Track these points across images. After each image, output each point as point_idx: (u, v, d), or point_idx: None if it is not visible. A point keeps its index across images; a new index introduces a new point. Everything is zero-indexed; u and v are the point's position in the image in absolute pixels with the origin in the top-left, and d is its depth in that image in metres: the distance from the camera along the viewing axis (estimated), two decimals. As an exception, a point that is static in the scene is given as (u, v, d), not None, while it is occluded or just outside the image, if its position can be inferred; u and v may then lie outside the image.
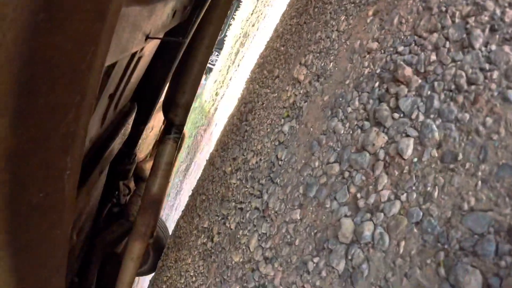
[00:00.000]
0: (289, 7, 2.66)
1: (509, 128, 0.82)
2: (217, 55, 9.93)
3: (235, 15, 9.14)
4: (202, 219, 2.45)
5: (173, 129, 2.53)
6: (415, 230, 0.90)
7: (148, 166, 3.17)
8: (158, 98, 2.63)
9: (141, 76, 2.03)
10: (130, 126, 2.16)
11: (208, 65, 10.55)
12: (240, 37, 6.00)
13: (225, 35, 9.60)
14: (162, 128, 2.61)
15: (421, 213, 0.90)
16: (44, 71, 0.41)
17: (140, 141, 3.02)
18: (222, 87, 5.37)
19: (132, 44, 1.19)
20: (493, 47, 0.92)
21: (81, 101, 0.48)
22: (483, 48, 0.95)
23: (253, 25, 5.10)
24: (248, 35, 5.08)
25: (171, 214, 6.06)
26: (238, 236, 1.77)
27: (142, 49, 1.52)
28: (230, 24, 9.44)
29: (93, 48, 0.46)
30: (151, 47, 1.74)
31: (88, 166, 1.55)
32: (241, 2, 9.00)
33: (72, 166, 0.51)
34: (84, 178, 1.45)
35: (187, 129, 7.21)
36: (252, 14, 5.91)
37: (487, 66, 0.92)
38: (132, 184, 3.43)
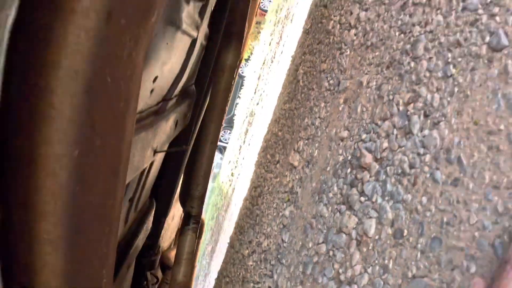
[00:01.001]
0: (283, 89, 2.93)
1: (438, 205, 0.98)
2: (229, 133, 10.28)
3: (240, 93, 9.54)
4: (224, 303, 2.57)
5: (191, 220, 2.72)
6: (381, 300, 1.05)
7: (172, 254, 3.32)
8: (175, 191, 2.84)
9: (156, 175, 2.25)
10: (151, 221, 2.35)
11: (222, 143, 10.92)
12: (247, 116, 6.32)
13: (234, 114, 9.98)
14: (181, 219, 2.80)
15: (382, 283, 1.05)
16: (85, 222, 0.59)
17: (163, 231, 3.20)
18: (236, 167, 5.61)
19: (143, 162, 1.37)
20: (426, 131, 1.11)
21: (110, 231, 0.65)
22: (419, 134, 1.14)
23: (257, 104, 5.41)
24: (254, 113, 5.37)
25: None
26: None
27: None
28: (237, 103, 9.84)
29: (111, 201, 0.65)
30: (161, 151, 1.97)
31: (116, 263, 1.72)
32: (244, 79, 9.42)
33: (107, 275, 0.70)
34: (114, 274, 1.62)
35: (209, 211, 7.39)
36: (255, 93, 6.27)
37: (421, 150, 1.10)
38: (159, 273, 3.57)
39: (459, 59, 1.06)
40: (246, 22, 2.07)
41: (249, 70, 9.62)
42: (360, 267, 1.17)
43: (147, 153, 1.43)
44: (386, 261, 1.07)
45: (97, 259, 0.64)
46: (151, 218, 2.45)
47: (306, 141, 2.01)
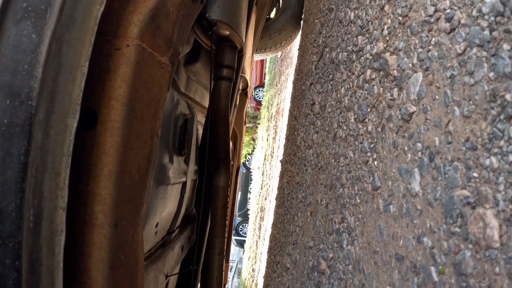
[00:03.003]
0: (277, 192, 3.34)
1: (358, 304, 1.38)
2: (247, 226, 10.56)
3: (250, 188, 9.87)
4: None
5: (213, 326, 3.03)
6: None
7: None
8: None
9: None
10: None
11: (242, 237, 11.11)
12: (258, 212, 6.54)
13: (248, 209, 10.30)
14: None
15: None
16: None
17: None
18: (256, 263, 5.83)
19: None
20: (349, 247, 1.53)
21: None
22: (346, 248, 1.55)
23: (265, 199, 5.69)
24: (264, 208, 5.62)
25: None
26: None
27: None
28: (249, 198, 10.17)
29: None
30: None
31: None
32: (251, 173, 9.78)
33: None
34: None
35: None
36: (261, 188, 6.59)
37: (347, 261, 1.51)
38: None
39: (360, 192, 1.51)
40: (229, 148, 2.22)
41: (254, 164, 9.99)
42: None
43: (160, 280, 1.75)
44: None
45: None
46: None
47: (293, 246, 2.42)
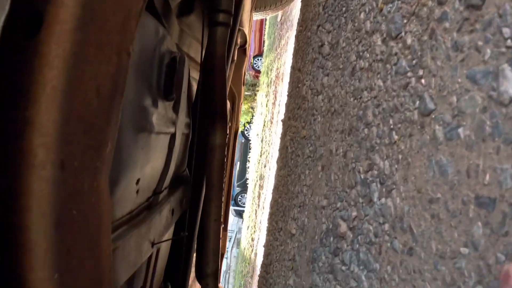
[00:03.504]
0: (279, 154, 2.98)
1: (400, 274, 0.99)
2: (246, 196, 10.30)
3: (249, 157, 9.64)
4: None
5: (208, 298, 2.71)
6: None
7: (198, 334, 3.29)
8: (189, 272, 2.85)
9: (166, 261, 2.27)
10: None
11: (241, 208, 10.86)
12: (257, 180, 6.34)
13: (246, 178, 10.02)
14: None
15: None
16: None
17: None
18: (255, 232, 5.57)
19: (140, 257, 1.39)
20: (383, 200, 1.13)
21: None
22: (378, 202, 1.16)
23: (264, 166, 5.44)
24: (263, 176, 5.39)
25: None
26: None
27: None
28: (248, 167, 9.91)
29: None
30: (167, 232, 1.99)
31: None
32: (251, 142, 9.54)
33: None
34: None
35: (236, 279, 7.27)
36: (261, 155, 6.33)
37: (381, 219, 1.12)
38: None
39: (399, 125, 1.11)
40: (226, 102, 2.12)
41: (253, 132, 9.80)
42: None
43: (144, 247, 1.45)
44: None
45: None
46: (168, 302, 2.44)
47: (299, 209, 2.03)
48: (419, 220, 0.95)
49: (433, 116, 0.97)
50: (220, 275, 2.81)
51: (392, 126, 1.15)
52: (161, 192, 1.71)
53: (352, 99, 1.50)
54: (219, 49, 1.87)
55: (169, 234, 1.98)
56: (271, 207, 2.99)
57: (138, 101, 1.24)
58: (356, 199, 1.31)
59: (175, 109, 1.67)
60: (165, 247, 2.13)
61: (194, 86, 2.07)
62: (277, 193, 2.74)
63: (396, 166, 1.09)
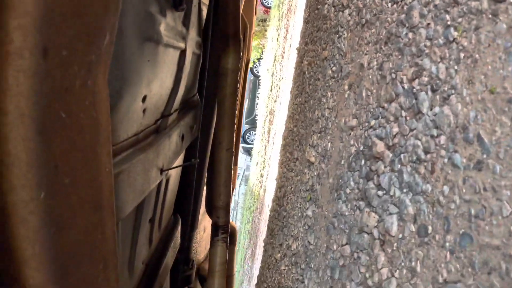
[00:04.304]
0: (293, 83, 2.80)
1: (462, 195, 0.83)
2: (255, 134, 10.19)
3: (258, 93, 9.45)
4: (263, 313, 2.48)
5: (219, 231, 2.63)
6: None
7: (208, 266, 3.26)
8: (199, 204, 2.76)
9: (176, 191, 2.16)
10: (179, 237, 2.27)
11: (249, 145, 10.76)
12: (267, 115, 6.21)
13: (256, 115, 9.85)
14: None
15: (412, 291, 0.91)
16: (71, 262, 0.53)
17: (196, 244, 3.13)
18: (264, 168, 5.49)
19: (148, 184, 1.28)
20: (437, 109, 0.96)
21: (106, 267, 0.61)
22: (429, 112, 0.98)
23: (275, 101, 5.28)
24: (274, 111, 5.25)
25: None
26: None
27: (167, 172, 1.63)
28: (257, 103, 9.73)
29: (100, 235, 0.59)
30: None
31: (147, 284, 1.65)
32: (260, 78, 9.31)
33: None
34: None
35: (245, 215, 7.30)
36: (271, 90, 6.14)
37: (435, 131, 0.95)
38: (198, 286, 3.52)
39: (459, 20, 0.90)
40: (239, 22, 1.94)
41: (262, 68, 9.54)
42: (387, 270, 1.03)
43: (152, 174, 1.34)
44: (413, 263, 0.92)
45: None
46: (178, 234, 2.36)
47: (319, 135, 1.87)
48: (492, 127, 0.77)
49: (511, 0, 0.77)
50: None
51: (449, 23, 0.95)
52: (170, 114, 1.59)
53: (389, 4, 1.29)
54: None
55: (178, 162, 1.85)
56: (284, 138, 2.84)
57: (143, 6, 1.07)
58: (397, 113, 1.13)
59: (185, 24, 1.50)
60: (174, 178, 2.00)
61: (204, 11, 1.90)
62: (292, 122, 2.57)
63: (456, 67, 0.90)
